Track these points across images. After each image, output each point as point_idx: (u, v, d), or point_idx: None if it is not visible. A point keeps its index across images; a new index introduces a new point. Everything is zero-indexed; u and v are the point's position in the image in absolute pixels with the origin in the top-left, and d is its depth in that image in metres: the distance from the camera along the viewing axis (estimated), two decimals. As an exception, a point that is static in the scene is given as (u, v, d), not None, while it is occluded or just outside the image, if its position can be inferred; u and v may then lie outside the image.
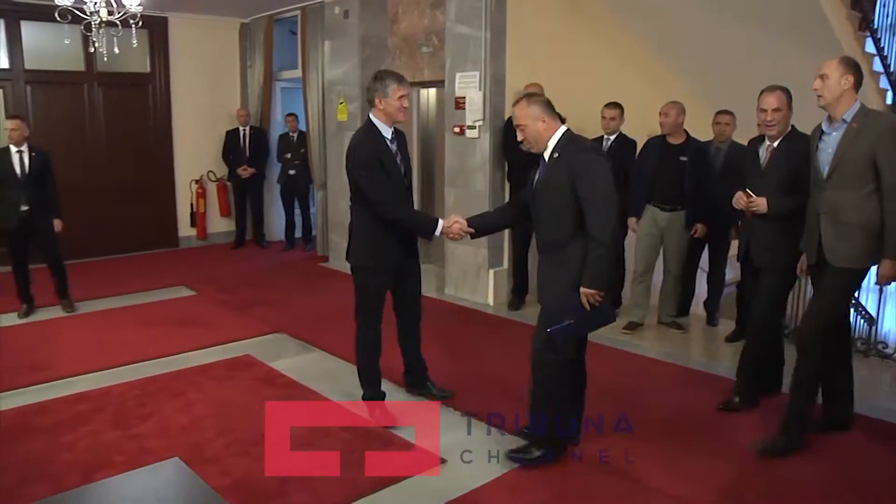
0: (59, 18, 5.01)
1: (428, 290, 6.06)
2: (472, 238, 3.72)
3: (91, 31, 5.27)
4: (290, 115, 8.53)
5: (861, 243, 3.20)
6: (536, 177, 3.25)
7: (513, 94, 5.74)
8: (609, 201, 3.02)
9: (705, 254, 5.33)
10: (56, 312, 5.82)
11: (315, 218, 8.46)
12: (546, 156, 3.19)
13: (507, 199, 5.91)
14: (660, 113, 4.94)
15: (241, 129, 8.55)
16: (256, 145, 8.59)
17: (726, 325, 5.31)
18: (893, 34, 5.41)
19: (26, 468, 3.26)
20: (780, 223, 3.61)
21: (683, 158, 4.93)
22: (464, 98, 6.05)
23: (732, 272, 5.23)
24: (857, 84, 3.19)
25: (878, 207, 3.16)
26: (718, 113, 5.01)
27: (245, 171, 8.48)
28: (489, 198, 5.93)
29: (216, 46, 8.89)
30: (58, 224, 5.68)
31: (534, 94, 3.30)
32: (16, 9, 7.36)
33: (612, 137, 5.37)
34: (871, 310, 5.00)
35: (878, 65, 5.32)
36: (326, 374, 4.47)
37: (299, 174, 8.37)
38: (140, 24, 5.42)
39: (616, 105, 5.33)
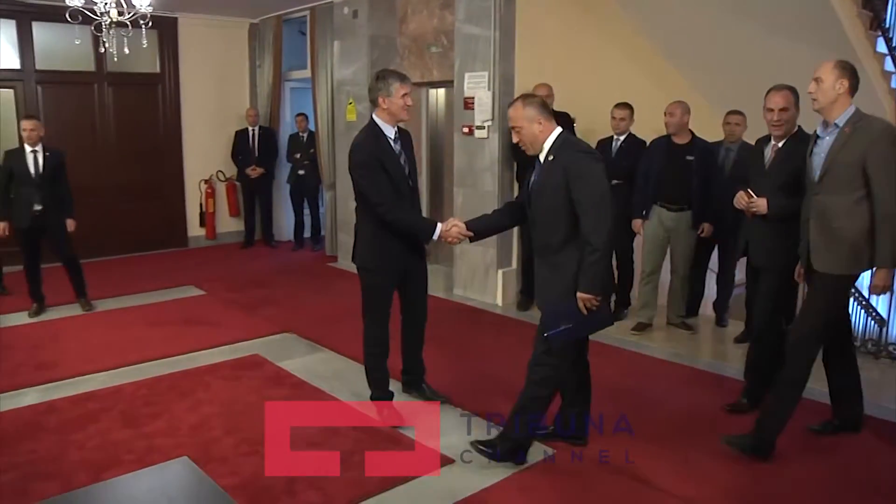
0: (69, 19, 5.05)
1: (437, 290, 6.06)
2: (470, 241, 3.67)
3: (101, 31, 5.31)
4: (299, 115, 8.55)
5: (848, 250, 3.13)
6: (532, 179, 3.21)
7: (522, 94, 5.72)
8: (603, 204, 2.97)
9: (715, 254, 5.31)
10: (66, 311, 5.85)
11: (324, 218, 8.48)
12: (542, 158, 3.15)
13: (516, 199, 5.90)
14: (665, 113, 4.92)
15: (250, 129, 8.57)
16: (265, 145, 8.61)
17: (735, 326, 5.28)
18: (905, 34, 5.34)
19: (35, 466, 3.28)
20: (779, 224, 3.56)
21: (689, 158, 4.90)
22: (473, 98, 6.05)
23: (741, 273, 5.20)
24: (853, 88, 3.11)
25: (867, 214, 3.09)
26: (729, 113, 4.98)
27: (254, 171, 8.51)
28: (498, 198, 5.92)
29: (225, 47, 8.92)
30: (70, 224, 5.70)
31: (529, 96, 3.25)
32: (27, 10, 7.41)
33: (622, 138, 5.35)
34: (882, 312, 4.97)
35: (889, 65, 5.25)
36: (335, 374, 4.48)
37: (308, 174, 8.39)
38: (150, 24, 5.45)
39: (626, 105, 5.30)
